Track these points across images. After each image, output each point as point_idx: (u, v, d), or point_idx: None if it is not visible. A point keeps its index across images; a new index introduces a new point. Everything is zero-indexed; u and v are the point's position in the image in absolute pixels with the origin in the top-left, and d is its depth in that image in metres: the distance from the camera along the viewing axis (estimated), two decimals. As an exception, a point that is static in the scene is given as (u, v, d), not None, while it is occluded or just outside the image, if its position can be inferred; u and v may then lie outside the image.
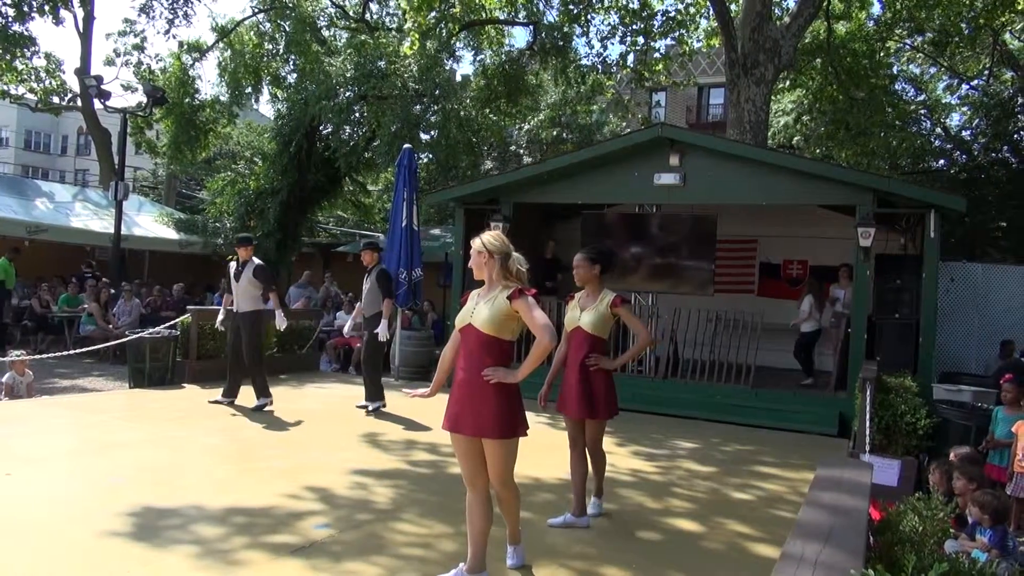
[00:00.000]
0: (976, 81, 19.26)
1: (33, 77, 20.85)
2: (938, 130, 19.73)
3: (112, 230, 14.53)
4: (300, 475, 5.30)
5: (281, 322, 8.02)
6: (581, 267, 4.62)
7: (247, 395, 7.81)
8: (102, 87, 15.54)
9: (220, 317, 8.42)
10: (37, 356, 9.50)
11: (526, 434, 3.52)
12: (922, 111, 19.71)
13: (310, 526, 4.28)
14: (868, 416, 6.22)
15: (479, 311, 3.50)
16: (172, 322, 9.68)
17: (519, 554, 3.80)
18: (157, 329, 9.40)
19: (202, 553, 3.77)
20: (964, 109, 19.83)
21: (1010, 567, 3.93)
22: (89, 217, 16.27)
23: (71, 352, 10.35)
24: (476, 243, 3.59)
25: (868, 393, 6.40)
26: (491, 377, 3.40)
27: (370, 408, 7.91)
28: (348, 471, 5.51)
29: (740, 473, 6.25)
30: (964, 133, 19.23)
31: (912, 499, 3.47)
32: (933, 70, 20.46)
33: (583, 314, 4.60)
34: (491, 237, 3.59)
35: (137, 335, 9.12)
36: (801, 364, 9.96)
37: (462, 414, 3.46)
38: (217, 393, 8.00)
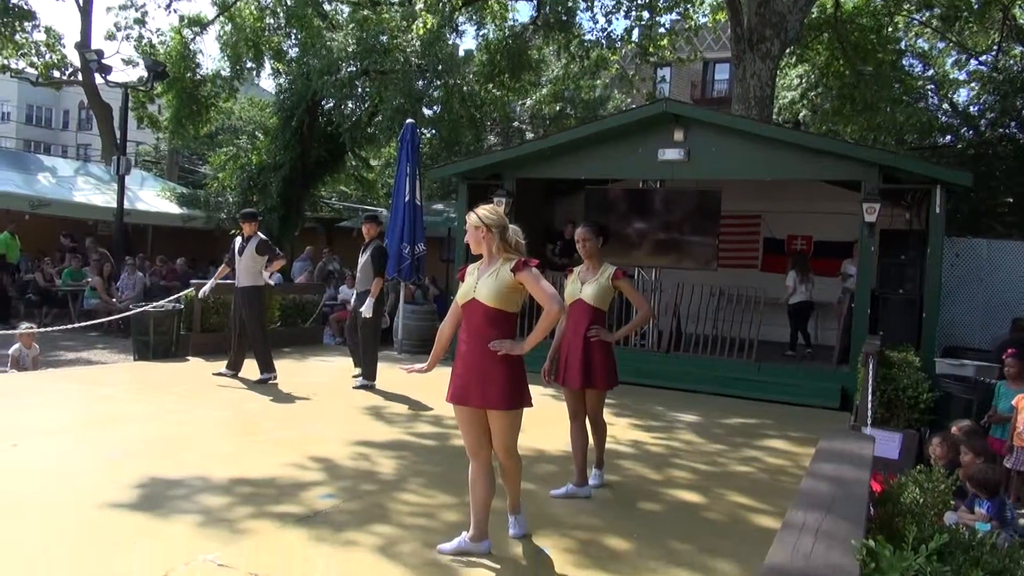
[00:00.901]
0: (985, 56, 19.03)
1: (33, 51, 20.68)
2: (945, 106, 19.54)
3: (114, 204, 14.51)
4: (304, 447, 5.33)
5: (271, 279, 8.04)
6: (588, 239, 4.63)
7: (251, 368, 7.84)
8: (103, 61, 15.42)
9: (205, 289, 8.41)
10: (42, 329, 9.53)
11: (531, 405, 3.53)
12: (929, 86, 19.51)
13: (315, 496, 4.32)
14: (870, 390, 6.24)
15: (482, 285, 3.49)
16: (176, 296, 9.70)
17: (521, 523, 3.83)
18: (161, 303, 9.42)
19: (207, 522, 3.81)
20: (972, 85, 19.61)
21: (1009, 538, 3.95)
22: (91, 192, 16.25)
23: (76, 325, 10.39)
24: (472, 218, 3.56)
25: (871, 367, 6.41)
26: (498, 349, 3.40)
27: (358, 384, 7.82)
28: (352, 443, 5.54)
29: (741, 445, 6.28)
30: (972, 109, 19.04)
31: (913, 471, 3.48)
32: (941, 45, 20.21)
33: (584, 287, 4.61)
34: (487, 211, 3.56)
35: (141, 308, 9.15)
36: (791, 335, 10.08)
37: (468, 386, 3.47)
38: (221, 366, 8.04)
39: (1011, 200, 16.01)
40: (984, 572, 2.50)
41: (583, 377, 4.50)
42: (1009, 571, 2.71)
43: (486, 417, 3.50)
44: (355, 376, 8.03)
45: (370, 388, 7.79)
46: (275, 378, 7.80)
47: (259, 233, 7.90)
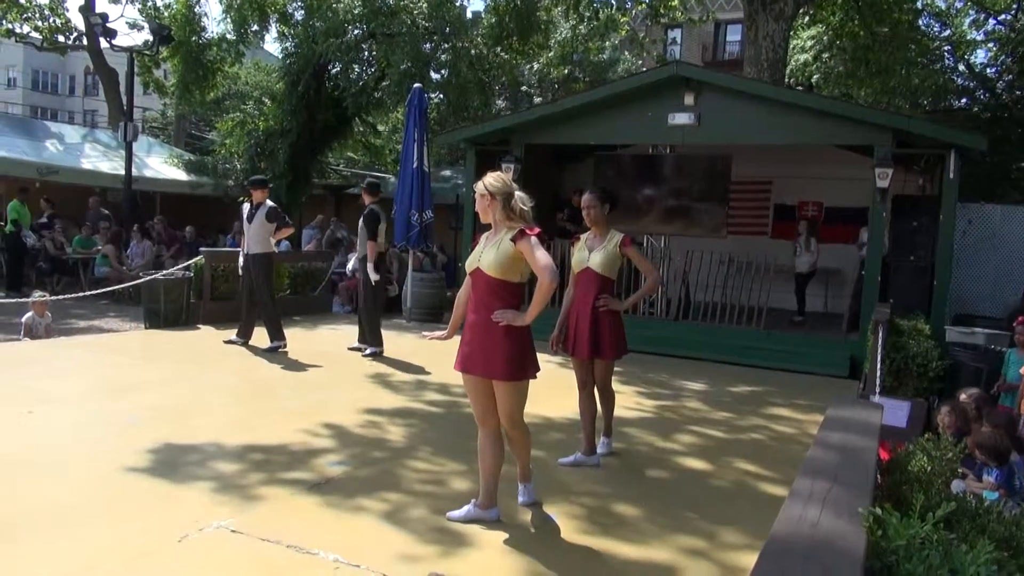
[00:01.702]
0: (1004, 16, 18.61)
1: (38, 15, 20.53)
2: (961, 67, 19.17)
3: (122, 172, 14.50)
4: (315, 414, 5.38)
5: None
6: (593, 207, 4.59)
7: (262, 336, 7.89)
8: (107, 25, 15.33)
9: (241, 261, 8.21)
10: (54, 297, 9.59)
11: (536, 376, 3.54)
12: (946, 47, 19.12)
13: (325, 463, 4.36)
14: (879, 358, 6.23)
15: (486, 255, 3.50)
16: (186, 263, 9.73)
17: (530, 491, 3.87)
18: (171, 270, 9.46)
19: (220, 488, 3.86)
20: (990, 45, 19.21)
21: (1016, 506, 3.97)
22: (99, 158, 16.23)
23: (87, 293, 10.45)
24: (479, 187, 3.56)
25: (880, 335, 6.39)
26: (500, 320, 3.41)
27: (366, 352, 7.85)
28: (362, 410, 5.59)
29: (749, 413, 6.30)
30: (988, 71, 18.68)
31: (921, 440, 3.48)
32: (960, 4, 19.76)
33: (592, 254, 4.58)
34: (492, 179, 3.55)
35: (151, 276, 9.18)
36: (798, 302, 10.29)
37: (472, 355, 3.49)
38: (231, 334, 8.09)
39: (1026, 164, 15.78)
40: (991, 540, 2.50)
41: (591, 347, 4.50)
42: (1016, 539, 2.72)
43: (491, 385, 3.52)
44: (352, 348, 8.07)
45: (379, 355, 7.83)
46: (285, 346, 7.85)
47: (268, 200, 7.88)
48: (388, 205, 10.50)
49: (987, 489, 4.32)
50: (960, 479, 4.37)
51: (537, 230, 3.47)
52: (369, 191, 7.95)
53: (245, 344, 7.95)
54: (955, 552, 2.02)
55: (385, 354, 7.87)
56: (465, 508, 3.62)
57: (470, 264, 3.59)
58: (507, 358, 3.43)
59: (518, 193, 3.53)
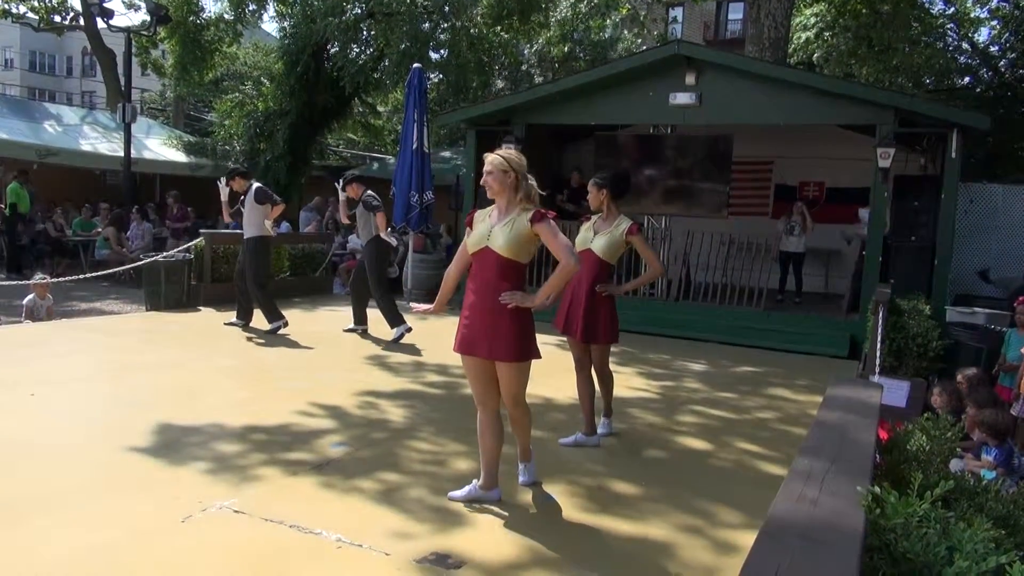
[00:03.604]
0: (1008, -7, 18.44)
1: (34, -5, 20.38)
2: (964, 45, 19.03)
3: (121, 153, 14.44)
4: (316, 395, 5.40)
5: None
6: (590, 192, 4.65)
7: (261, 318, 7.89)
8: (104, 5, 15.18)
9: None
10: (55, 280, 9.60)
11: (539, 356, 3.53)
12: (949, 25, 18.96)
13: (326, 444, 4.38)
14: (879, 338, 6.23)
15: (497, 234, 3.40)
16: (186, 245, 9.72)
17: (530, 471, 3.88)
18: (171, 252, 9.46)
19: (222, 469, 3.88)
20: (993, 23, 19.05)
21: (1014, 485, 3.99)
22: (98, 140, 16.17)
23: (87, 276, 10.45)
24: (497, 161, 3.40)
25: (880, 315, 6.39)
26: (509, 302, 3.37)
27: (395, 336, 7.66)
28: (362, 391, 5.61)
29: (749, 394, 6.32)
30: (992, 49, 18.54)
31: (920, 419, 3.50)
32: (963, -19, 19.57)
33: (596, 237, 4.59)
34: (514, 155, 3.45)
35: (152, 258, 9.18)
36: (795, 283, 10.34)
37: (475, 337, 3.45)
38: (232, 316, 8.11)
39: (1029, 144, 15.71)
40: (989, 518, 2.52)
41: (584, 332, 4.51)
42: (1014, 517, 2.74)
43: (493, 367, 3.49)
44: (347, 330, 8.11)
45: (364, 333, 7.96)
46: (285, 325, 7.84)
47: (253, 183, 7.86)
48: (386, 187, 10.49)
49: (985, 468, 4.35)
50: (959, 458, 4.39)
51: (554, 213, 3.45)
52: (359, 183, 7.97)
53: (245, 326, 7.97)
54: (953, 530, 2.03)
55: (385, 336, 7.86)
56: (466, 488, 3.64)
57: (476, 243, 3.47)
58: (511, 339, 3.40)
59: (530, 176, 3.50)
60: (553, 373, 5.53)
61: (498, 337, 3.40)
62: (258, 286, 7.77)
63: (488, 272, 3.44)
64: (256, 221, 7.72)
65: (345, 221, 8.27)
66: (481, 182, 3.58)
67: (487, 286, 3.43)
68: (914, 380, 6.11)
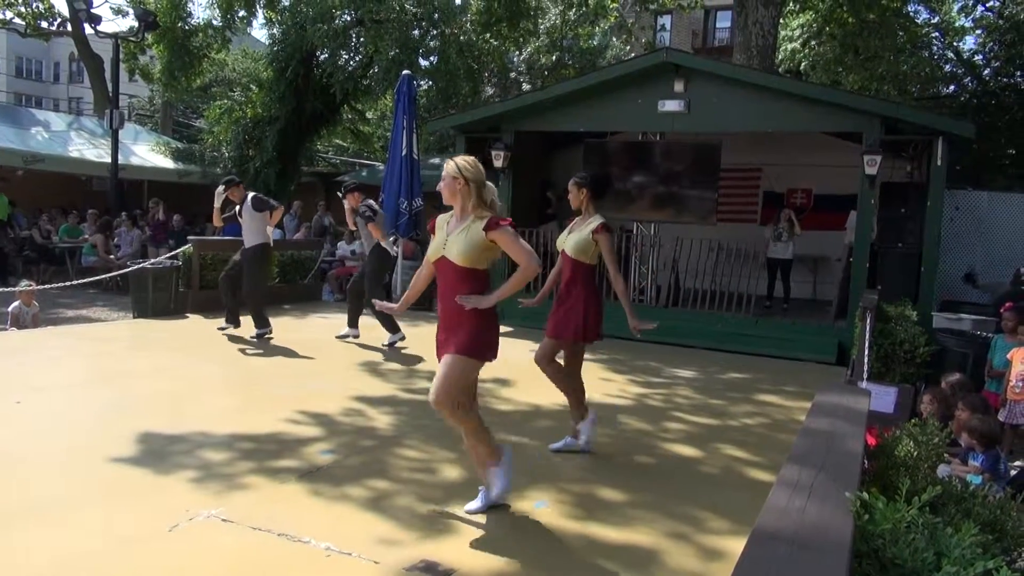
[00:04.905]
0: (991, 2, 18.66)
1: (21, 1, 20.24)
2: (949, 54, 19.23)
3: (108, 160, 14.36)
4: (304, 402, 5.37)
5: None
6: (570, 192, 4.63)
7: (248, 325, 7.85)
8: (92, 11, 15.13)
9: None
10: (41, 287, 9.53)
11: (491, 359, 3.48)
12: (934, 34, 19.17)
13: (314, 452, 4.36)
14: (867, 344, 6.27)
15: (452, 243, 3.40)
16: (173, 252, 9.67)
17: (484, 496, 3.58)
18: (159, 259, 9.40)
19: (209, 477, 3.85)
20: (978, 32, 19.27)
21: (1001, 490, 4.01)
22: (85, 146, 16.08)
23: (74, 283, 10.38)
24: (450, 166, 3.41)
25: (868, 321, 6.43)
26: (466, 304, 3.36)
27: (387, 341, 7.71)
28: (351, 398, 5.58)
29: (738, 400, 6.33)
30: (976, 58, 18.75)
31: (908, 425, 3.51)
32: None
33: (569, 236, 4.59)
34: (467, 163, 3.43)
35: (139, 265, 9.13)
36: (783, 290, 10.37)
37: (444, 342, 3.49)
38: (222, 322, 8.08)
39: (1013, 152, 15.88)
40: (976, 523, 2.53)
41: (556, 327, 4.47)
42: (1000, 522, 2.75)
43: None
44: (339, 336, 8.07)
45: (353, 338, 7.95)
46: (271, 333, 7.79)
47: (248, 193, 7.85)
48: (374, 193, 10.47)
49: (972, 473, 4.37)
50: (946, 464, 4.42)
51: (509, 220, 3.43)
52: (359, 192, 7.89)
53: (237, 327, 7.94)
54: (940, 535, 2.04)
55: (373, 343, 7.85)
56: (478, 498, 3.59)
57: (434, 253, 3.48)
58: (466, 335, 3.38)
59: (489, 184, 3.47)
60: (539, 380, 5.51)
61: (459, 335, 3.39)
62: (255, 292, 7.75)
63: (448, 281, 3.44)
64: (257, 229, 7.69)
65: (352, 228, 8.25)
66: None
67: (449, 294, 3.43)
68: (902, 386, 6.14)
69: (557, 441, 4.65)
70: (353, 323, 8.06)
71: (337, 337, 8.03)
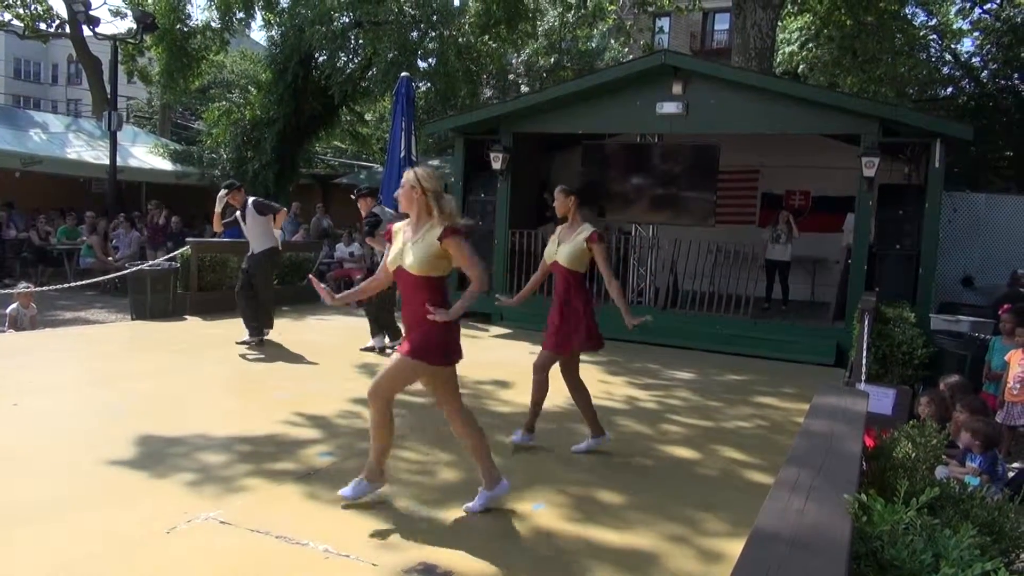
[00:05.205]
0: (989, 4, 18.71)
1: (19, 2, 20.22)
2: (947, 56, 19.28)
3: (106, 161, 14.35)
4: (302, 404, 5.37)
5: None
6: (557, 199, 4.62)
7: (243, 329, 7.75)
8: (90, 13, 15.12)
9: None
10: (39, 289, 9.51)
11: (449, 363, 3.52)
12: (932, 36, 19.21)
13: (312, 454, 4.36)
14: (865, 346, 6.27)
15: (408, 253, 3.46)
16: (172, 254, 9.66)
17: (360, 484, 3.65)
18: (157, 261, 9.40)
19: (208, 480, 3.85)
20: (976, 34, 19.32)
21: (998, 492, 4.02)
22: (83, 148, 16.06)
23: (72, 284, 10.37)
24: (409, 176, 3.50)
25: (866, 323, 6.43)
26: (433, 317, 3.40)
27: (393, 347, 7.63)
28: (349, 400, 5.58)
29: (736, 402, 6.34)
30: (974, 60, 18.79)
31: (906, 426, 3.51)
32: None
33: (560, 247, 4.60)
34: (424, 173, 3.51)
35: (137, 267, 9.12)
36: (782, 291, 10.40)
37: (403, 342, 3.56)
38: (219, 324, 8.02)
39: (1010, 153, 15.91)
40: (974, 524, 2.53)
41: (556, 344, 4.50)
42: (998, 523, 2.75)
43: (427, 372, 3.51)
44: (364, 349, 7.95)
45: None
46: (263, 338, 7.67)
47: (248, 197, 7.79)
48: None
49: (970, 475, 4.37)
50: (944, 465, 4.42)
51: (463, 229, 3.47)
52: (371, 196, 7.75)
53: (261, 337, 7.64)
54: (938, 536, 2.04)
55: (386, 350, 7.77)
56: (477, 498, 3.63)
57: (392, 262, 3.54)
58: (421, 337, 3.45)
59: (447, 195, 3.52)
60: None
61: (409, 338, 3.49)
62: (271, 296, 7.68)
63: (407, 289, 3.51)
64: (264, 232, 7.62)
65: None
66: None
67: (411, 301, 3.49)
68: (900, 388, 6.14)
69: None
70: (393, 335, 7.86)
71: (379, 351, 7.80)
